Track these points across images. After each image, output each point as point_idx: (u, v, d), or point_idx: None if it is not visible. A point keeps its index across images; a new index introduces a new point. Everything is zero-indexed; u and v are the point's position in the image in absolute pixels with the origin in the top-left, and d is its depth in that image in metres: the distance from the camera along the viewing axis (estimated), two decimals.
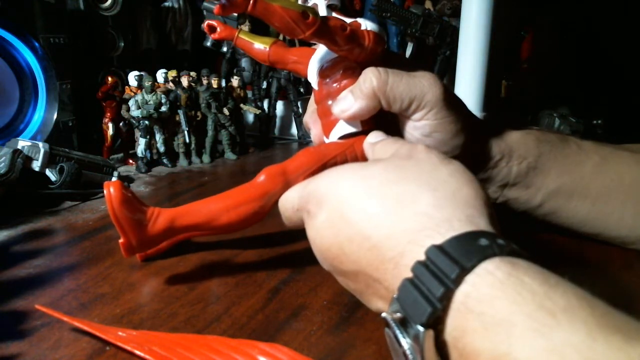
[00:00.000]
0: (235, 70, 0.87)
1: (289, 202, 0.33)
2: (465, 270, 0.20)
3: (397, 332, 0.21)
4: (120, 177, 0.61)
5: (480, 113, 0.68)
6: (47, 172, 0.54)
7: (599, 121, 0.84)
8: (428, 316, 0.20)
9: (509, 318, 0.18)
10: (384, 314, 0.23)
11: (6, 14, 0.59)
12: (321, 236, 0.28)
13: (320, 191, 0.29)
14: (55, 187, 0.53)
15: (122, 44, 0.78)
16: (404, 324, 0.21)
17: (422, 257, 0.22)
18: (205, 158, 0.74)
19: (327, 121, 0.36)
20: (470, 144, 0.35)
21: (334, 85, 0.35)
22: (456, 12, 0.83)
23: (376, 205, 0.26)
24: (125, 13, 0.77)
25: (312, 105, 0.40)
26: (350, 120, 0.34)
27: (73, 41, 0.67)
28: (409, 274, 0.22)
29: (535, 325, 0.18)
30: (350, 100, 0.33)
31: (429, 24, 0.82)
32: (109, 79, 0.69)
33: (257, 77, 0.87)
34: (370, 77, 0.33)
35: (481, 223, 0.24)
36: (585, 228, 0.39)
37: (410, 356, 0.21)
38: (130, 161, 0.71)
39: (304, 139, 0.86)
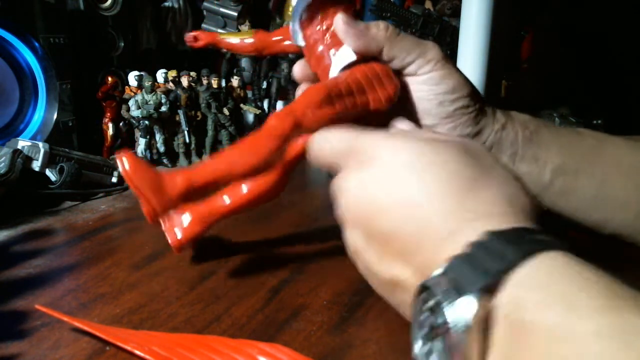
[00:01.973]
0: (235, 70, 0.87)
1: (331, 142, 0.31)
2: (528, 253, 0.21)
3: (444, 299, 0.21)
4: (120, 177, 0.61)
5: None
6: (47, 172, 0.54)
7: (599, 121, 0.84)
8: (484, 285, 0.20)
9: (571, 296, 0.19)
10: (427, 281, 0.23)
11: (6, 14, 0.59)
12: (368, 190, 0.28)
13: (381, 144, 0.28)
14: (55, 187, 0.53)
15: (122, 44, 0.78)
16: (449, 294, 0.21)
17: (478, 239, 0.22)
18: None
19: (323, 66, 0.35)
20: (477, 97, 0.36)
21: (317, 28, 0.35)
22: (456, 12, 0.83)
23: (447, 181, 0.26)
24: (125, 13, 0.77)
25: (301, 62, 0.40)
26: (352, 43, 0.34)
27: (73, 41, 0.67)
28: (460, 251, 0.22)
29: (597, 305, 0.18)
30: (362, 27, 0.34)
31: (429, 24, 0.82)
32: (109, 79, 0.69)
33: (257, 77, 0.87)
34: (383, 24, 0.34)
35: (537, 227, 0.24)
36: (595, 214, 0.39)
37: (453, 325, 0.20)
38: None
39: None
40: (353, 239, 0.29)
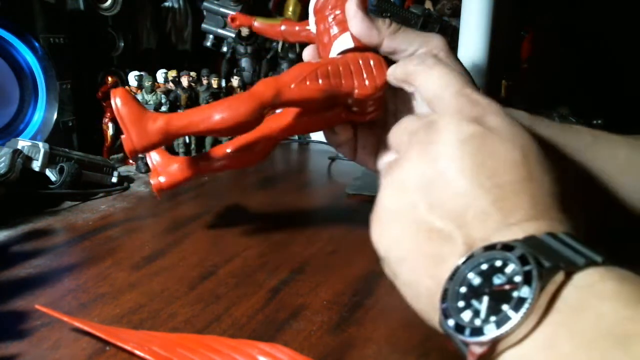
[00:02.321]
0: (235, 70, 0.87)
1: (450, 74, 0.29)
2: (605, 261, 0.21)
3: (529, 255, 0.21)
4: (120, 177, 0.61)
5: None
6: (47, 172, 0.54)
7: (599, 121, 0.84)
8: (568, 264, 0.21)
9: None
10: (511, 242, 0.22)
11: (6, 14, 0.59)
12: (474, 142, 0.26)
13: (503, 116, 0.28)
14: (55, 187, 0.53)
15: (122, 44, 0.78)
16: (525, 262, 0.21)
17: (554, 234, 0.23)
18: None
19: (326, 52, 0.36)
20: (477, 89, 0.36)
21: (327, 14, 0.36)
22: (456, 12, 0.83)
23: (546, 178, 0.26)
24: (125, 13, 0.77)
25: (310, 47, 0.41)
26: (356, 26, 0.34)
27: (73, 41, 0.67)
28: (534, 234, 0.23)
29: None
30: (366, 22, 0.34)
31: (429, 24, 0.82)
32: (109, 79, 0.69)
33: (257, 77, 0.87)
34: (387, 21, 0.34)
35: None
36: (587, 209, 0.39)
37: (536, 275, 0.20)
38: (130, 161, 0.71)
39: (303, 140, 0.86)
40: (417, 175, 0.27)
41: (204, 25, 0.91)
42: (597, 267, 0.21)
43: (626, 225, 0.40)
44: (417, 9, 0.83)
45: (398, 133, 0.30)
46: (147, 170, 0.68)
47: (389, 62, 0.34)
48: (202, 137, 0.74)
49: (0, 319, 0.32)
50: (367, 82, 0.33)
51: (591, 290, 0.20)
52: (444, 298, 0.23)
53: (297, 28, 0.44)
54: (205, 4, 0.89)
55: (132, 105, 0.33)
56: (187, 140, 0.72)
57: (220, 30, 0.90)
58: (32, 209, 0.51)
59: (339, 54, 0.34)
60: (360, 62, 0.33)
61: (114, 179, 0.60)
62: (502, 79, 0.89)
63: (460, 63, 0.36)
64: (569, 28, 0.95)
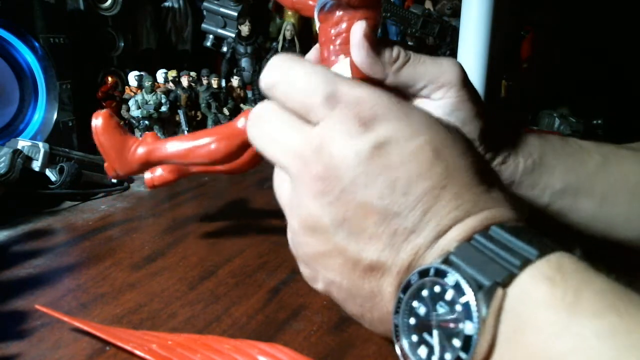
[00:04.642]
0: (235, 70, 0.87)
1: (320, 75, 0.25)
2: (542, 252, 0.21)
3: (463, 281, 0.20)
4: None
5: None
6: (47, 172, 0.54)
7: (599, 121, 0.84)
8: (505, 277, 0.20)
9: (579, 294, 0.19)
10: (441, 266, 0.21)
11: (6, 14, 0.59)
12: (373, 156, 0.23)
13: (396, 108, 0.24)
14: (55, 187, 0.53)
15: (122, 44, 0.78)
16: (462, 282, 0.21)
17: (487, 231, 0.22)
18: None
19: (325, 65, 0.33)
20: (486, 133, 0.34)
21: (330, 29, 0.31)
22: (456, 12, 0.83)
23: (463, 165, 0.24)
24: (125, 13, 0.77)
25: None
26: (359, 57, 0.30)
27: (73, 41, 0.67)
28: (467, 239, 0.22)
29: (605, 303, 0.18)
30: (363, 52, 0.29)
31: (429, 24, 0.82)
32: (109, 79, 0.69)
33: (257, 77, 0.87)
34: (396, 52, 0.30)
35: None
36: (594, 230, 0.39)
37: (474, 308, 0.20)
38: None
39: None
40: (325, 212, 0.24)
41: (204, 25, 0.91)
42: (532, 266, 0.20)
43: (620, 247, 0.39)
44: (417, 9, 0.83)
45: (284, 154, 0.26)
46: None
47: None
48: None
49: (0, 319, 0.32)
50: None
51: (526, 302, 0.20)
52: (397, 335, 0.22)
53: (310, 2, 0.40)
54: (205, 4, 0.89)
55: (113, 133, 0.34)
56: None
57: (220, 30, 0.90)
58: (32, 209, 0.51)
59: None
60: None
61: (114, 179, 0.60)
62: (502, 79, 0.89)
63: (475, 99, 0.33)
64: (569, 28, 0.95)
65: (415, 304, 0.22)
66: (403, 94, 0.31)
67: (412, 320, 0.22)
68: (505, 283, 0.20)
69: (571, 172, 0.37)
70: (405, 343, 0.22)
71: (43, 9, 0.62)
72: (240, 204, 0.56)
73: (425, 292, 0.22)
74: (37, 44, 0.62)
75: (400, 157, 0.23)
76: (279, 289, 0.37)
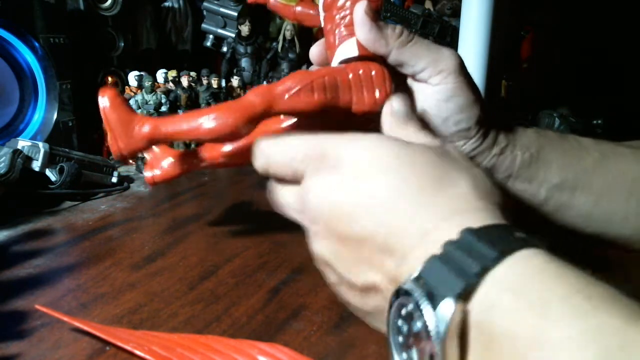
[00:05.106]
0: (235, 70, 0.87)
1: (289, 147, 0.29)
2: (504, 253, 0.20)
3: (423, 301, 0.20)
4: (120, 177, 0.61)
5: None
6: (47, 172, 0.54)
7: (599, 121, 0.84)
8: (462, 289, 0.20)
9: (545, 298, 0.18)
10: (405, 285, 0.22)
11: (6, 14, 0.59)
12: (334, 195, 0.26)
13: (346, 146, 0.27)
14: (55, 187, 0.53)
15: (122, 44, 0.78)
16: (428, 297, 0.21)
17: (456, 236, 0.22)
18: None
19: (331, 54, 0.34)
20: (483, 121, 0.35)
21: (335, 14, 0.33)
22: (456, 12, 0.83)
23: (416, 179, 0.25)
24: (125, 13, 0.77)
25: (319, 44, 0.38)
26: (363, 34, 0.32)
27: (73, 41, 0.67)
28: (436, 252, 0.22)
29: (572, 308, 0.18)
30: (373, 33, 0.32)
31: (429, 24, 0.82)
32: (109, 79, 0.69)
33: (257, 77, 0.87)
34: (398, 31, 0.33)
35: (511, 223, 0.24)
36: (590, 228, 0.39)
37: (434, 330, 0.20)
38: (130, 161, 0.71)
39: None
40: (323, 249, 0.28)
41: (204, 25, 0.91)
42: (493, 274, 0.20)
43: (617, 244, 0.39)
44: (417, 9, 0.83)
45: (293, 214, 0.30)
46: None
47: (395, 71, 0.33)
48: None
49: (0, 319, 0.32)
50: (365, 98, 0.31)
51: (491, 312, 0.19)
52: (390, 352, 0.23)
53: (311, 12, 0.42)
54: (205, 4, 0.89)
55: (120, 109, 0.33)
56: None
57: (220, 30, 0.90)
58: (32, 209, 0.51)
59: (341, 62, 0.33)
60: (361, 74, 0.31)
61: (114, 179, 0.60)
62: (502, 79, 0.89)
63: (471, 87, 0.34)
64: (569, 28, 0.95)
65: (400, 322, 0.22)
66: (403, 76, 0.33)
67: (400, 339, 0.22)
68: (465, 296, 0.20)
69: (569, 168, 0.37)
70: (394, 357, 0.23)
71: (43, 9, 0.62)
72: (240, 204, 0.56)
73: (404, 311, 0.22)
74: (37, 44, 0.62)
75: (355, 188, 0.26)
76: (279, 289, 0.37)
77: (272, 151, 0.30)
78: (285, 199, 0.30)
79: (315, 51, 0.37)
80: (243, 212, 0.54)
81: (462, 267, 0.20)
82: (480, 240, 0.21)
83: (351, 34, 0.32)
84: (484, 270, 0.20)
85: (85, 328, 0.30)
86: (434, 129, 0.34)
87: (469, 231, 0.22)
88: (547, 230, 0.40)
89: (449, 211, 0.24)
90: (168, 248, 0.44)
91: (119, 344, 0.29)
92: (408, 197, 0.24)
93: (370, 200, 0.25)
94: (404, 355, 0.22)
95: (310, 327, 0.32)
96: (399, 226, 0.24)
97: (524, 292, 0.19)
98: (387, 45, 0.32)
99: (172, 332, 0.31)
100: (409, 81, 0.34)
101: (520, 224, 0.23)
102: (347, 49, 0.33)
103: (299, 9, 0.43)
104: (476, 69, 0.68)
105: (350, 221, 0.26)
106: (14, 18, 0.60)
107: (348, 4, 0.32)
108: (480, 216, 0.23)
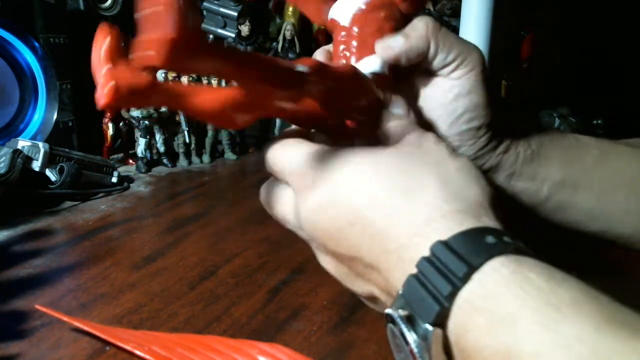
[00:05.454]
0: None
1: (282, 156, 0.29)
2: (472, 269, 0.20)
3: (404, 329, 0.21)
4: (120, 177, 0.61)
5: None
6: (47, 172, 0.54)
7: (599, 121, 0.84)
8: (436, 315, 0.20)
9: (514, 313, 0.18)
10: (388, 310, 0.22)
11: (6, 14, 0.59)
12: (317, 216, 0.27)
13: (320, 168, 0.27)
14: (55, 187, 0.53)
15: (122, 44, 0.78)
16: (410, 321, 0.21)
17: (427, 252, 0.22)
18: (205, 158, 0.74)
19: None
20: (493, 122, 0.34)
21: (342, 33, 0.32)
22: (456, 12, 0.83)
23: (384, 192, 0.25)
24: (125, 13, 0.77)
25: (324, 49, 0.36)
26: (392, 59, 0.31)
27: (73, 41, 0.67)
28: (413, 269, 0.22)
29: (541, 320, 0.18)
30: (400, 40, 0.31)
31: None
32: None
33: None
34: (425, 20, 0.32)
35: (488, 220, 0.23)
36: (592, 226, 0.39)
37: (417, 355, 0.20)
38: (130, 161, 0.71)
39: None
40: (325, 264, 0.28)
41: (204, 25, 0.91)
42: (466, 288, 0.20)
43: (617, 242, 0.39)
44: None
45: (294, 229, 0.30)
46: (148, 170, 0.68)
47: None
48: (202, 137, 0.74)
49: (0, 319, 0.32)
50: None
51: (465, 332, 0.19)
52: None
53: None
54: (205, 4, 0.89)
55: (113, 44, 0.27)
56: (187, 140, 0.72)
57: (220, 30, 0.90)
58: (32, 209, 0.51)
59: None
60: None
61: (114, 179, 0.60)
62: (502, 79, 0.89)
63: (487, 87, 0.33)
64: (568, 28, 0.95)
65: (398, 341, 0.23)
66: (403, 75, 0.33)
67: (402, 356, 0.23)
68: (441, 319, 0.20)
69: (570, 165, 0.37)
70: None
71: (43, 9, 0.62)
72: (240, 204, 0.56)
73: (393, 333, 0.23)
74: (37, 44, 0.62)
75: (335, 211, 0.26)
76: (279, 289, 0.37)
77: (273, 160, 0.30)
78: (283, 211, 0.30)
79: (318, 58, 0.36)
80: (243, 212, 0.54)
81: (435, 287, 0.21)
82: (450, 254, 0.21)
83: (367, 52, 0.31)
84: (454, 292, 0.20)
85: (85, 328, 0.30)
86: (439, 130, 0.34)
87: (439, 245, 0.21)
88: (550, 229, 0.40)
89: (420, 222, 0.23)
90: (168, 248, 0.44)
91: (119, 344, 0.29)
92: (380, 212, 0.24)
93: (348, 221, 0.25)
94: None
95: (310, 327, 0.32)
96: (377, 245, 0.24)
97: (492, 309, 0.19)
98: (424, 46, 0.31)
99: (172, 332, 0.31)
100: (418, 79, 0.33)
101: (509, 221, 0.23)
102: (368, 65, 0.31)
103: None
104: None
105: (338, 241, 0.26)
106: (14, 18, 0.60)
107: (356, 27, 0.31)
108: (449, 224, 0.23)
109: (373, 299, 0.26)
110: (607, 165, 0.38)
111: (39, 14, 0.62)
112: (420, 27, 0.31)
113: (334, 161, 0.27)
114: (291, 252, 0.43)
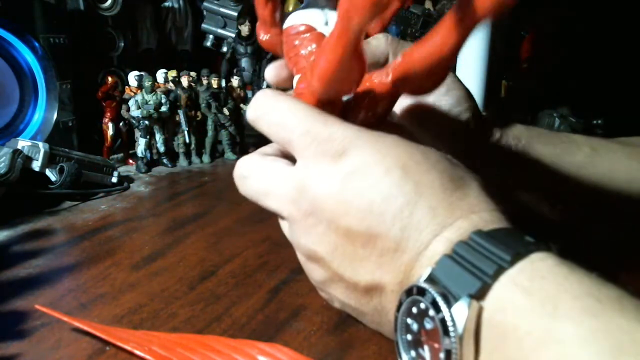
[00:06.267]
0: (235, 70, 0.87)
1: (294, 111, 0.27)
2: (519, 255, 0.20)
3: (439, 299, 0.21)
4: (120, 177, 0.61)
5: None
6: (47, 172, 0.54)
7: (599, 121, 0.84)
8: (478, 289, 0.20)
9: (556, 298, 0.19)
10: (421, 283, 0.22)
11: (6, 14, 0.59)
12: (348, 188, 0.25)
13: (360, 137, 0.25)
14: (55, 187, 0.53)
15: (122, 44, 0.78)
16: (442, 296, 0.21)
17: (465, 239, 0.22)
18: (205, 158, 0.74)
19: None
20: (478, 113, 0.36)
21: (296, 48, 0.31)
22: None
23: (430, 180, 0.24)
24: (125, 13, 0.77)
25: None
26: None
27: (73, 41, 0.67)
28: (447, 252, 0.22)
29: (582, 306, 0.18)
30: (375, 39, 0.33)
31: (429, 24, 0.82)
32: (109, 79, 0.69)
33: (257, 77, 0.87)
34: (386, 34, 0.34)
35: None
36: (588, 221, 0.40)
37: (450, 325, 0.20)
38: (130, 161, 0.71)
39: None
40: (317, 244, 0.26)
41: (204, 25, 0.91)
42: (507, 274, 0.20)
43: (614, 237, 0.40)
44: (417, 9, 0.83)
45: (276, 202, 0.28)
46: (148, 170, 0.68)
47: None
48: (202, 137, 0.74)
49: (0, 319, 0.32)
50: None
51: (504, 310, 0.20)
52: (398, 351, 0.23)
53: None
54: (205, 4, 0.89)
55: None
56: (187, 140, 0.72)
57: (220, 30, 0.90)
58: (32, 209, 0.51)
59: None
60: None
61: (114, 179, 0.60)
62: (502, 79, 0.89)
63: (462, 83, 0.35)
64: (568, 28, 0.95)
65: (409, 320, 0.22)
66: None
67: (409, 337, 0.23)
68: (480, 295, 0.20)
69: (558, 162, 0.38)
70: (405, 358, 0.23)
71: (43, 9, 0.62)
72: (240, 204, 0.56)
73: (414, 309, 0.22)
74: (37, 44, 0.62)
75: (370, 181, 0.24)
76: (279, 289, 0.37)
77: (275, 106, 0.27)
78: (273, 185, 0.28)
79: (274, 72, 0.35)
80: (243, 212, 0.54)
81: (476, 267, 0.21)
82: (492, 242, 0.21)
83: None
84: (499, 271, 0.20)
85: (85, 328, 0.30)
86: (431, 126, 0.34)
87: (479, 233, 0.22)
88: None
89: (461, 213, 0.24)
90: (168, 248, 0.44)
91: (119, 344, 0.29)
92: (424, 197, 0.24)
93: (384, 198, 0.24)
94: (412, 353, 0.22)
95: (310, 327, 0.32)
96: (413, 225, 0.23)
97: (535, 291, 0.19)
98: (382, 53, 0.33)
99: (172, 332, 0.31)
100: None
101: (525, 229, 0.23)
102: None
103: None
104: (476, 69, 0.68)
105: (362, 217, 0.24)
106: (14, 18, 0.60)
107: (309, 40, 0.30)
108: (490, 219, 0.23)
109: (372, 290, 0.25)
110: (598, 163, 0.38)
111: (39, 14, 0.62)
112: (380, 36, 0.33)
113: (379, 139, 0.26)
114: (291, 252, 0.43)
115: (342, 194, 0.25)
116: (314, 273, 0.28)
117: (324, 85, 0.26)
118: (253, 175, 0.29)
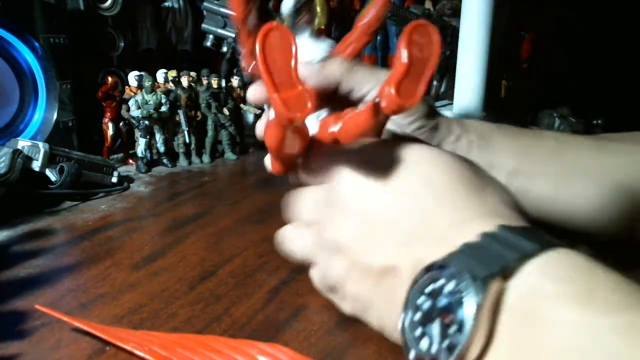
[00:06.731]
0: (235, 70, 0.87)
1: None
2: (543, 247, 0.21)
3: (460, 274, 0.21)
4: (120, 177, 0.61)
5: (480, 113, 0.68)
6: (47, 172, 0.54)
7: (599, 121, 0.84)
8: (500, 269, 0.20)
9: (590, 289, 0.19)
10: (433, 262, 0.23)
11: (6, 14, 0.59)
12: (373, 181, 0.28)
13: (390, 143, 0.30)
14: (55, 187, 0.53)
15: (122, 44, 0.78)
16: (458, 277, 0.21)
17: (490, 230, 0.23)
18: (205, 158, 0.74)
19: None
20: (430, 114, 0.38)
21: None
22: (456, 12, 0.83)
23: (453, 180, 0.27)
24: (125, 13, 0.77)
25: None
26: (311, 81, 0.34)
27: (73, 41, 0.67)
28: (470, 240, 0.23)
29: (619, 300, 0.18)
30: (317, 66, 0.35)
31: None
32: (109, 79, 0.69)
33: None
34: (339, 60, 0.36)
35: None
36: (553, 213, 0.40)
37: (469, 295, 0.20)
38: (130, 161, 0.71)
39: None
40: (340, 230, 0.29)
41: (204, 25, 0.91)
42: (534, 260, 0.21)
43: (589, 227, 0.40)
44: (417, 9, 0.83)
45: (301, 208, 0.33)
46: (148, 170, 0.68)
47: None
48: (202, 137, 0.74)
49: (0, 319, 0.32)
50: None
51: (533, 294, 0.20)
52: (402, 331, 0.23)
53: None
54: (205, 4, 0.89)
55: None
56: (187, 140, 0.72)
57: (220, 30, 0.90)
58: (32, 209, 0.51)
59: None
60: None
61: (114, 179, 0.60)
62: (502, 79, 0.89)
63: None
64: (568, 28, 0.95)
65: (420, 299, 0.23)
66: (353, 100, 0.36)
67: (417, 316, 0.23)
68: (506, 274, 0.20)
69: (524, 153, 0.39)
70: (409, 337, 0.23)
71: (43, 9, 0.62)
72: (240, 204, 0.56)
73: (429, 288, 0.23)
74: (37, 44, 0.62)
75: (403, 179, 0.27)
76: (279, 289, 0.37)
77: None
78: (305, 194, 0.32)
79: (257, 92, 0.37)
80: (243, 212, 0.54)
81: (499, 253, 0.21)
82: (517, 235, 0.22)
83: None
84: (524, 258, 0.21)
85: (85, 328, 0.30)
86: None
87: (504, 227, 0.23)
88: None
89: (484, 211, 0.25)
90: (168, 248, 0.44)
91: (119, 344, 0.29)
92: (451, 192, 0.26)
93: (413, 188, 0.27)
94: (418, 331, 0.22)
95: (310, 327, 0.32)
96: (441, 213, 0.26)
97: (567, 281, 0.20)
98: (335, 78, 0.35)
99: (172, 332, 0.31)
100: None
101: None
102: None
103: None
104: (476, 69, 0.68)
105: (391, 203, 0.27)
106: (14, 18, 0.60)
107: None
108: (512, 219, 0.25)
109: (386, 273, 0.27)
110: (564, 152, 0.40)
111: (39, 14, 0.62)
112: (335, 62, 0.35)
113: (403, 144, 0.29)
114: None
115: (368, 185, 0.28)
116: (334, 269, 0.29)
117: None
118: (283, 233, 0.35)
